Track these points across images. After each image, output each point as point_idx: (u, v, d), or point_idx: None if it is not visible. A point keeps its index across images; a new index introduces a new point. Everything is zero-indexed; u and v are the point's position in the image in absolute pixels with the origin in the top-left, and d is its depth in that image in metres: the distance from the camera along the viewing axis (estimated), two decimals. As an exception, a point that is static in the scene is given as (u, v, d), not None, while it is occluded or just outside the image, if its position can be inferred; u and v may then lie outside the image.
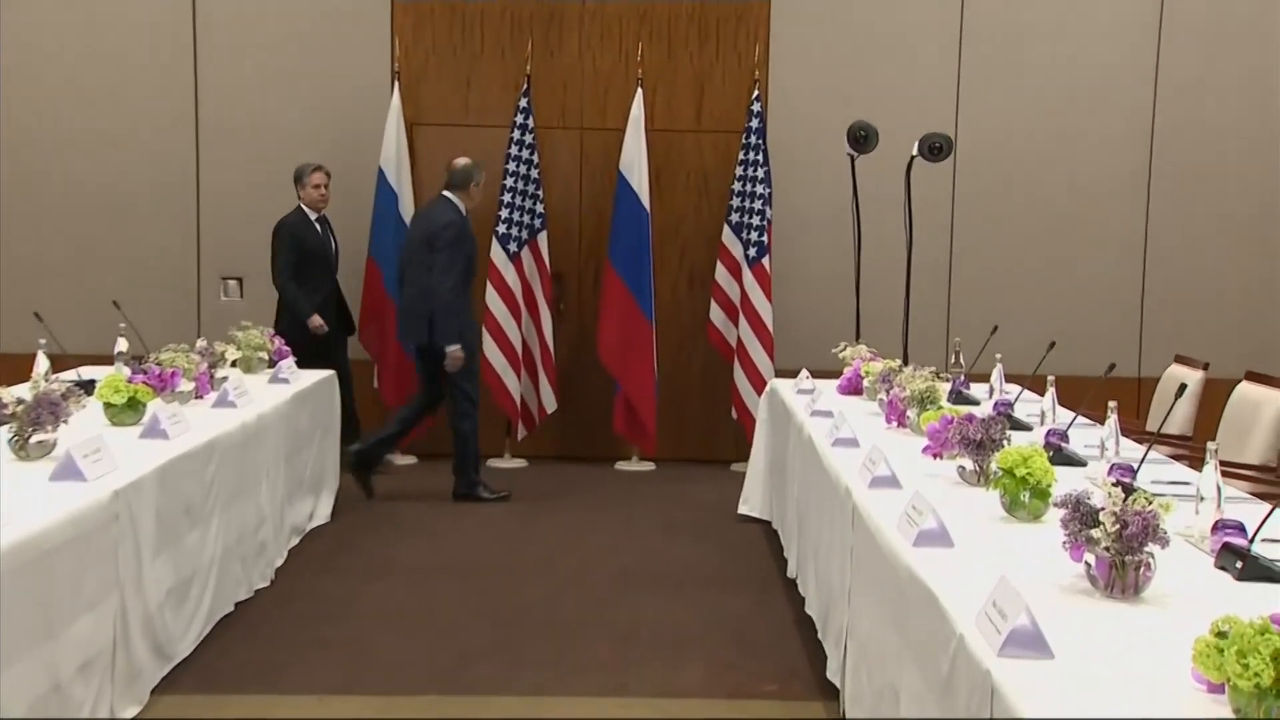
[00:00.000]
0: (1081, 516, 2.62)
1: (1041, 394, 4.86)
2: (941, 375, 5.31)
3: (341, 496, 6.33)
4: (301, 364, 6.18)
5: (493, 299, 7.41)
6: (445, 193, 6.61)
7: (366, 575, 5.34)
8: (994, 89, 7.80)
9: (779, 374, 7.05)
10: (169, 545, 3.94)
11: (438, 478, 6.90)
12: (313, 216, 7.05)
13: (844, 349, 6.13)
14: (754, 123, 7.48)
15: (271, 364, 6.06)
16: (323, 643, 4.50)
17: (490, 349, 7.40)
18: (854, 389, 5.79)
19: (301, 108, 7.70)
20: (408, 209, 7.45)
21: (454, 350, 6.41)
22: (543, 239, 7.55)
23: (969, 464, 3.69)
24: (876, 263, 7.27)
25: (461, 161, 6.61)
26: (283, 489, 5.33)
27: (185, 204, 7.76)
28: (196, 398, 5.13)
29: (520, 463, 7.74)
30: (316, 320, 6.91)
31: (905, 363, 6.05)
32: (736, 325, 7.52)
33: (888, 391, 5.04)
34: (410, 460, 7.65)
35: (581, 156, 7.81)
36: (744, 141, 7.51)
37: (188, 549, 4.13)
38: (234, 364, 5.87)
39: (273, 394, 5.43)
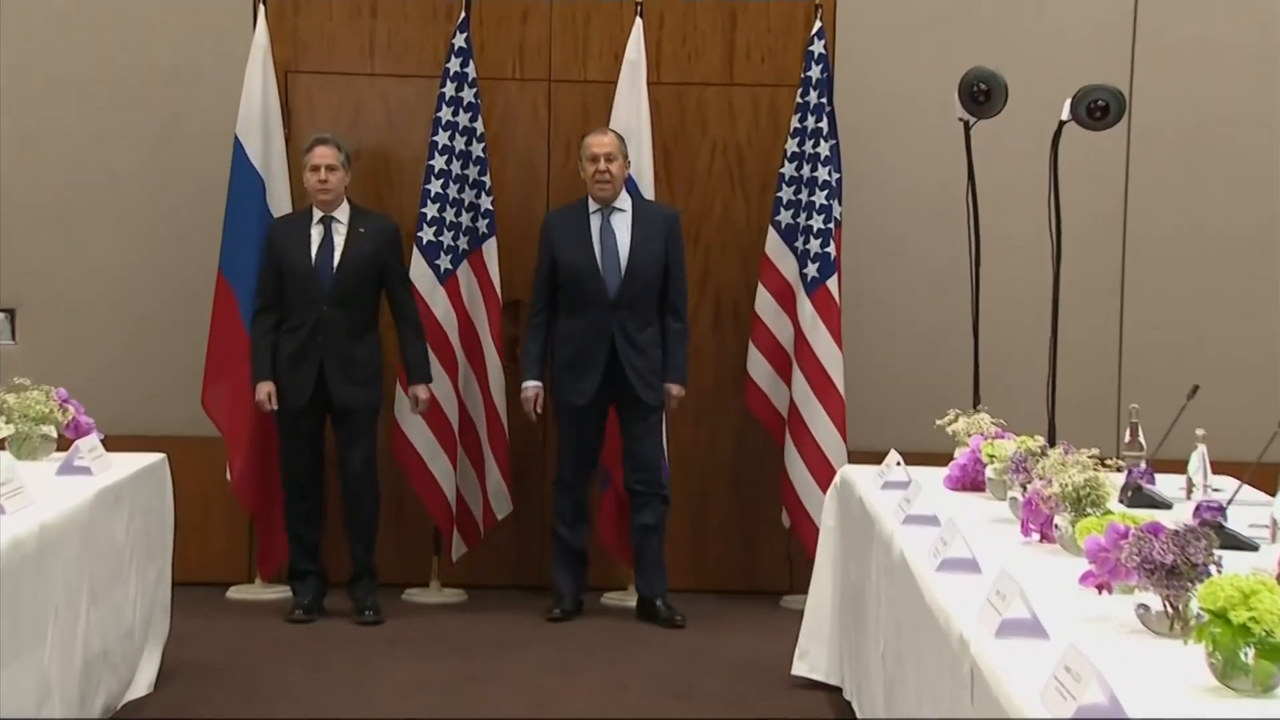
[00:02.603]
0: (1343, 692, 2.51)
1: (1273, 493, 4.82)
2: (1109, 462, 5.23)
3: (172, 649, 6.21)
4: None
5: (413, 341, 7.37)
6: None
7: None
8: (1190, 20, 7.82)
9: (854, 457, 7.04)
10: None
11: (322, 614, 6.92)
12: (317, 214, 7.14)
13: (954, 420, 6.13)
14: (815, 72, 7.51)
15: (63, 444, 5.95)
16: None
17: (407, 418, 7.37)
18: (971, 482, 5.78)
19: (116, 51, 7.69)
20: (280, 201, 7.46)
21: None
22: (489, 250, 7.58)
23: (1155, 602, 3.64)
24: (1003, 286, 7.29)
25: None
26: (82, 641, 5.22)
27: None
28: (-60, 497, 5.04)
29: (456, 595, 7.73)
30: (261, 390, 7.08)
31: (1051, 442, 6.05)
32: (789, 382, 7.54)
33: (1024, 487, 5.03)
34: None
35: (550, 123, 7.84)
36: (799, 101, 7.55)
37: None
38: (2, 445, 5.79)
39: (65, 491, 5.33)
